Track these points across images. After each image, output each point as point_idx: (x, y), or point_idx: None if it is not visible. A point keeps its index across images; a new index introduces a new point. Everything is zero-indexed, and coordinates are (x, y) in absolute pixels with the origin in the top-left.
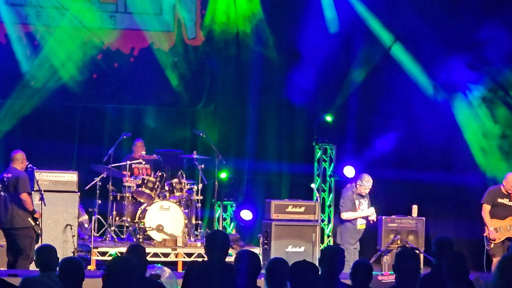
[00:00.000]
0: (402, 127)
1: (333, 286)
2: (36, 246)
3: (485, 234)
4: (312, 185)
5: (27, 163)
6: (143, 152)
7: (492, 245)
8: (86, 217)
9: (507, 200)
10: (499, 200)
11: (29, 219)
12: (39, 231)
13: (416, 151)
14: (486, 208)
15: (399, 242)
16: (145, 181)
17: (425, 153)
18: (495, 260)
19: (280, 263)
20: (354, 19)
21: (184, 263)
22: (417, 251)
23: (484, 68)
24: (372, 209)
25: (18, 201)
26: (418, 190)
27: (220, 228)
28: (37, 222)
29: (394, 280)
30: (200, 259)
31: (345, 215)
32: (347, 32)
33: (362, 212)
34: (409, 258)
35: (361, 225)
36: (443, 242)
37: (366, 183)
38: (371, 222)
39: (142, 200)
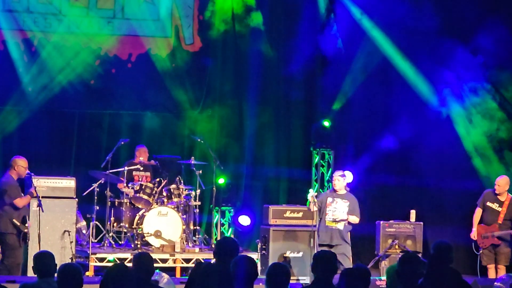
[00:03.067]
0: (400, 132)
1: None
2: (34, 252)
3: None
4: (311, 191)
5: (25, 168)
6: (141, 158)
7: (481, 250)
8: (84, 223)
9: (497, 205)
10: (488, 203)
11: (14, 220)
12: (26, 230)
13: (414, 156)
14: (477, 211)
15: (397, 247)
16: (143, 187)
17: (423, 158)
18: (489, 268)
19: (281, 267)
20: (351, 23)
21: (182, 268)
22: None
23: (481, 70)
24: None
25: (2, 207)
26: (416, 195)
27: (218, 234)
28: (26, 224)
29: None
30: (206, 262)
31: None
32: (344, 35)
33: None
34: (413, 263)
35: (329, 221)
36: (442, 246)
37: (334, 173)
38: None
39: (140, 206)
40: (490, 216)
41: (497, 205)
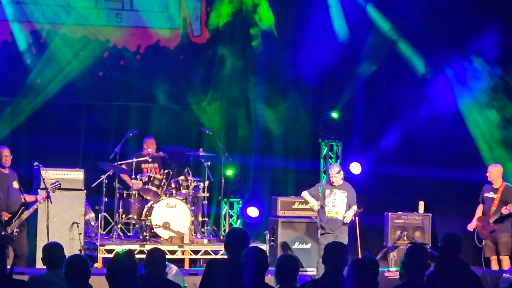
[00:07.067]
0: (409, 123)
1: (338, 283)
2: (43, 244)
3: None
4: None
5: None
6: (150, 150)
7: (483, 242)
8: (92, 214)
9: (492, 193)
10: (485, 195)
11: None
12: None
13: (423, 147)
14: (479, 207)
15: (405, 238)
16: (152, 178)
17: (431, 149)
18: (492, 259)
19: (290, 259)
20: (360, 17)
21: (191, 260)
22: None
23: (491, 59)
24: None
25: None
26: (425, 187)
27: (227, 226)
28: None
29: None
30: (220, 257)
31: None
32: (353, 29)
33: (311, 199)
34: (420, 254)
35: (328, 212)
36: (450, 238)
37: (329, 170)
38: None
39: (148, 198)
40: (487, 206)
41: (492, 193)
